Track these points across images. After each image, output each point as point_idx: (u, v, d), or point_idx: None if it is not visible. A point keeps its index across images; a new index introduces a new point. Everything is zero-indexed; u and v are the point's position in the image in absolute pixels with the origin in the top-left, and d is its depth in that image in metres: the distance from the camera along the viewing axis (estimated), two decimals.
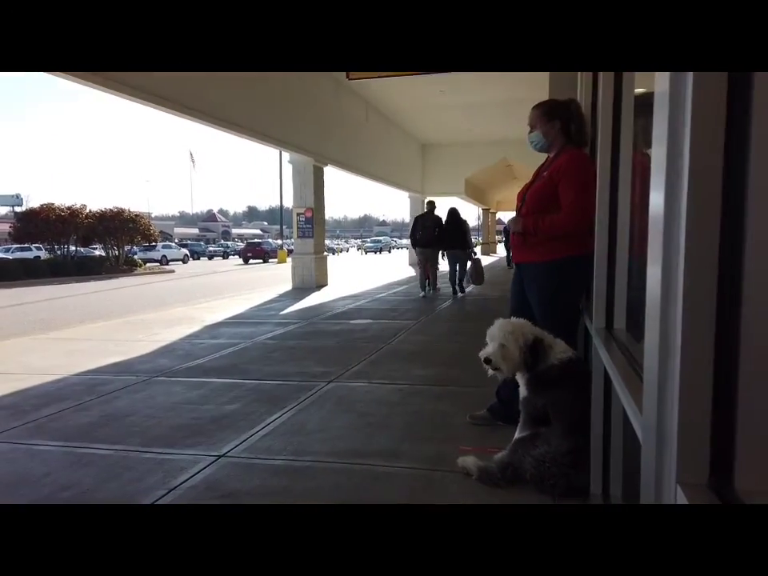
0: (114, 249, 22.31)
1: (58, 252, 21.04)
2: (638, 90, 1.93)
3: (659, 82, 0.77)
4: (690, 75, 0.68)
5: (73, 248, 21.70)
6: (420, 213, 10.67)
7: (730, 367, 0.71)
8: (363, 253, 55.79)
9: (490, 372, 2.34)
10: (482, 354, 2.33)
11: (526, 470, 2.23)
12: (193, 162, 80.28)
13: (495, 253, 33.28)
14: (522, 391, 2.35)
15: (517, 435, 2.37)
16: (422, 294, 10.03)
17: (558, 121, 2.76)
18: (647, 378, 0.89)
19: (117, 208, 22.08)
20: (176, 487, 2.41)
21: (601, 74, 2.23)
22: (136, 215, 22.40)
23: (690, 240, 0.70)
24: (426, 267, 10.12)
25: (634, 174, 1.93)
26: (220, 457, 2.75)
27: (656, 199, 0.80)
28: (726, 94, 0.67)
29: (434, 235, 9.59)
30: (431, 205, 9.97)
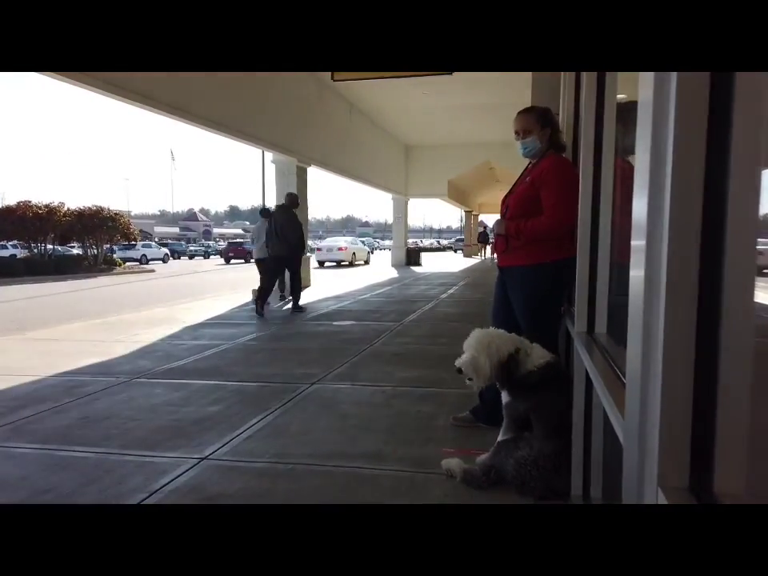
0: (92, 248, 21.97)
1: (35, 250, 20.66)
2: (620, 96, 1.97)
3: (643, 83, 0.79)
4: (673, 75, 0.69)
5: (50, 246, 21.32)
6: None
7: (710, 373, 0.73)
8: None
9: (467, 381, 2.37)
10: (456, 363, 2.35)
11: (508, 472, 2.26)
12: (173, 160, 79.45)
13: (477, 255, 33.48)
14: (504, 396, 2.38)
15: (500, 438, 2.39)
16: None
17: (548, 128, 2.80)
18: (629, 383, 0.91)
19: (95, 206, 21.73)
20: (157, 490, 2.39)
21: (584, 77, 2.26)
22: (115, 214, 22.08)
23: (672, 245, 0.71)
24: None
25: (616, 179, 1.96)
26: (202, 459, 2.72)
27: (639, 204, 0.81)
28: (708, 94, 0.69)
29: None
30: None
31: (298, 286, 8.43)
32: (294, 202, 8.27)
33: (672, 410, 0.76)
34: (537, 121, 2.79)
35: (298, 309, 8.34)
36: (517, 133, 2.84)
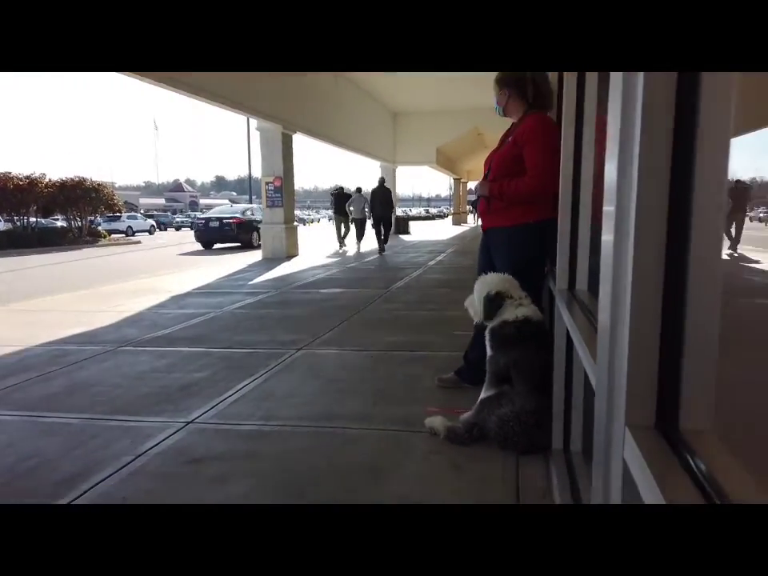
0: (76, 219, 21.62)
1: (18, 223, 20.30)
2: None
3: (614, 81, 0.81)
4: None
5: (33, 219, 20.96)
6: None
7: (676, 318, 0.74)
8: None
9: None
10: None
11: (491, 428, 2.29)
12: (157, 129, 77.87)
13: (466, 223, 33.43)
14: (488, 350, 2.41)
15: (482, 395, 2.42)
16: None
17: (506, 89, 2.83)
18: (601, 328, 0.92)
19: (78, 177, 21.28)
20: (143, 453, 2.40)
21: None
22: (98, 185, 21.66)
23: (640, 201, 0.73)
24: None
25: (599, 138, 1.94)
26: (188, 423, 2.74)
27: (610, 172, 0.83)
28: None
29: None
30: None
31: (387, 236, 13.56)
32: (384, 181, 13.89)
33: (639, 352, 0.77)
34: (494, 85, 2.87)
35: (383, 251, 13.01)
36: (498, 103, 2.93)
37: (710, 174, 0.68)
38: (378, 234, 13.29)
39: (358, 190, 14.56)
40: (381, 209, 13.23)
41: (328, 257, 12.56)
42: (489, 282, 2.48)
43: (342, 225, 14.91)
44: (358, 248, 14.06)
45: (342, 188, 15.51)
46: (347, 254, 13.06)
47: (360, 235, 14.49)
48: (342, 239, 14.82)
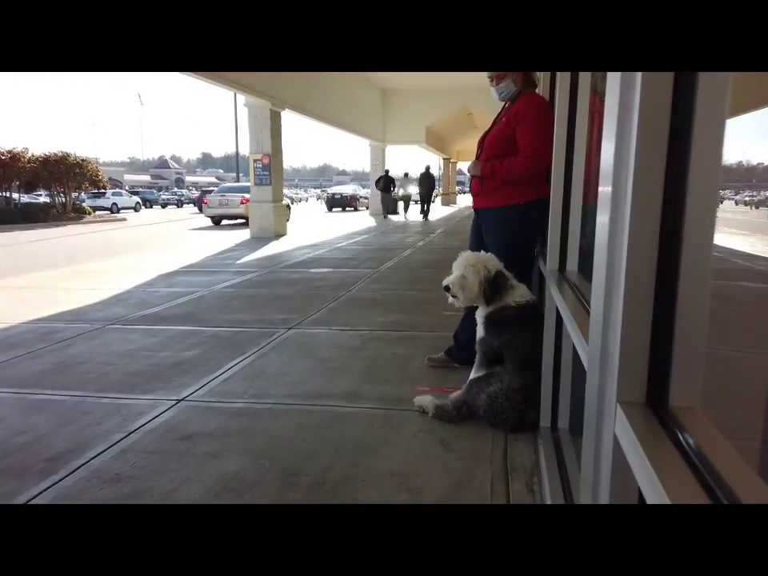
0: (60, 196, 21.26)
1: (0, 198, 19.94)
2: None
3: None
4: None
5: (15, 195, 20.58)
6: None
7: (667, 299, 0.76)
8: (324, 203, 45.20)
9: (450, 299, 2.44)
10: (444, 281, 2.43)
11: (480, 406, 2.33)
12: (142, 105, 76.38)
13: (455, 204, 33.36)
14: (480, 331, 2.43)
15: (472, 375, 2.46)
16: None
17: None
18: (594, 309, 0.94)
19: (61, 152, 20.87)
20: (135, 430, 2.42)
21: None
22: (82, 160, 21.27)
23: (636, 186, 0.75)
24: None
25: (593, 120, 1.95)
26: (179, 401, 2.75)
27: (607, 154, 0.84)
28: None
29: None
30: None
31: (429, 208, 19.26)
32: (429, 168, 19.11)
33: (631, 333, 0.79)
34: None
35: (426, 218, 18.40)
36: (490, 78, 2.82)
37: (705, 159, 0.70)
38: (422, 206, 19.27)
39: (406, 174, 20.37)
40: (425, 189, 18.97)
41: (317, 236, 12.50)
42: (480, 261, 2.37)
43: (387, 201, 20.03)
44: (405, 217, 19.57)
45: (387, 171, 20.28)
46: (336, 235, 13.01)
47: (406, 208, 20.39)
48: (393, 212, 20.44)
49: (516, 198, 2.72)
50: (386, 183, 19.57)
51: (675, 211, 0.73)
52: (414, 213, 20.44)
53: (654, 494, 0.62)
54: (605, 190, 0.85)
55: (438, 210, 26.20)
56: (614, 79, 0.81)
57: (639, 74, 0.72)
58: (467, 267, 2.38)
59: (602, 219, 0.87)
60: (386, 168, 20.93)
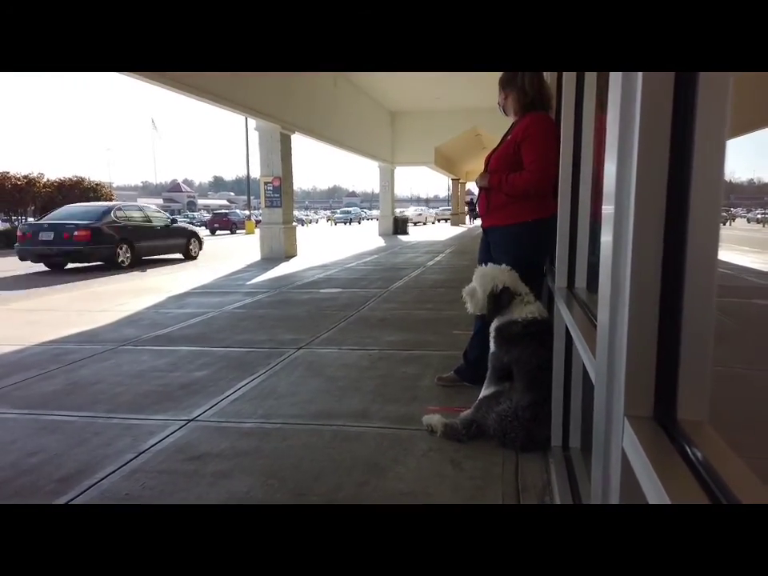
0: None
1: (16, 223, 20.29)
2: None
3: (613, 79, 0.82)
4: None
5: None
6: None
7: (673, 313, 0.76)
8: (333, 224, 54.09)
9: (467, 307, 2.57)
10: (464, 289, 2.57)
11: (490, 425, 2.31)
12: (155, 129, 77.88)
13: (464, 224, 33.45)
14: (491, 345, 2.43)
15: (482, 393, 2.44)
16: None
17: (503, 91, 2.90)
18: (600, 324, 0.94)
19: (76, 177, 21.32)
20: (145, 450, 2.42)
21: None
22: (96, 184, 21.72)
23: (638, 202, 0.75)
24: None
25: (599, 138, 1.96)
26: (189, 421, 2.76)
27: (609, 173, 0.85)
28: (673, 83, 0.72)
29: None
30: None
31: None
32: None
33: (637, 347, 0.79)
34: (501, 88, 2.91)
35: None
36: (499, 104, 2.99)
37: (707, 174, 0.70)
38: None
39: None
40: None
41: (327, 256, 12.57)
42: (491, 275, 2.45)
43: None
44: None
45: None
46: (346, 255, 13.08)
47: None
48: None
49: (524, 215, 2.74)
50: (471, 208, 23.36)
51: (678, 226, 0.74)
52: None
53: None
54: (608, 208, 0.86)
55: (448, 230, 26.29)
56: (614, 86, 0.81)
57: (640, 74, 0.72)
58: (479, 278, 2.49)
59: (606, 238, 0.87)
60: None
